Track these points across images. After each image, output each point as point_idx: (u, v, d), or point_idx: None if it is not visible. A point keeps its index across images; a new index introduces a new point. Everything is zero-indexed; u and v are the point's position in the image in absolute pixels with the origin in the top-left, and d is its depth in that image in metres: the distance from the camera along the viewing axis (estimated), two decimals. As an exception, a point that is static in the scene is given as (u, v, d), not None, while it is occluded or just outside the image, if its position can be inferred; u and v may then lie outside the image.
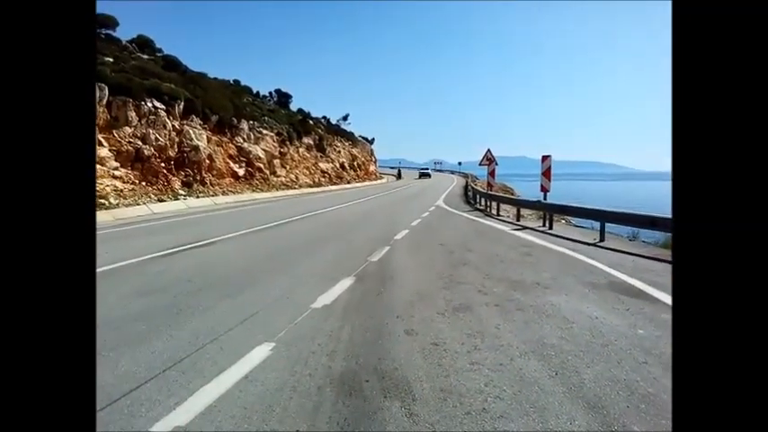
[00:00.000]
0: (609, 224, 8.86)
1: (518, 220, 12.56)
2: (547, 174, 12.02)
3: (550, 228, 10.64)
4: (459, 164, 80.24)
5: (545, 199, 11.71)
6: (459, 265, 6.16)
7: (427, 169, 69.24)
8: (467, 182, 34.97)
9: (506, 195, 20.09)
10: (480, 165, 18.56)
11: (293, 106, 41.57)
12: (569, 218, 13.20)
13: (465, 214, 14.61)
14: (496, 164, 18.16)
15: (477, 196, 19.88)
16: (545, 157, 12.22)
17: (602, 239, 8.69)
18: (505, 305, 4.29)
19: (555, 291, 4.83)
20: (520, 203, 13.49)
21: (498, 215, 14.18)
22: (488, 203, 16.60)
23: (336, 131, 45.40)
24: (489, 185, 18.16)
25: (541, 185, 12.00)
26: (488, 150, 18.26)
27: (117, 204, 14.48)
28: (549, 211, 11.04)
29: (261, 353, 3.09)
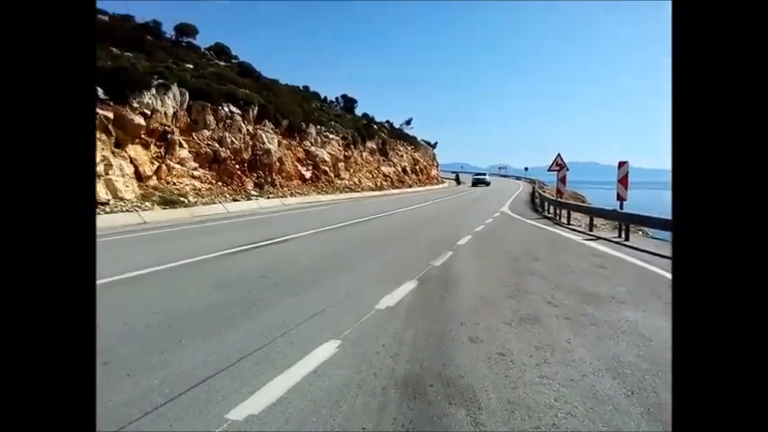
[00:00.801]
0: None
1: (590, 230, 11.91)
2: (623, 181, 11.30)
3: (626, 239, 9.99)
4: (526, 169, 77.58)
5: (621, 208, 11.01)
6: (526, 274, 5.96)
7: (484, 174, 52.59)
8: (533, 188, 33.75)
9: (578, 203, 19.13)
10: (549, 170, 17.84)
11: (358, 111, 42.46)
12: (647, 229, 12.30)
13: (532, 222, 14.10)
14: (567, 169, 17.37)
15: (546, 203, 19.11)
16: (621, 164, 11.50)
17: (685, 253, 8.02)
18: (577, 318, 4.08)
19: (631, 306, 4.52)
20: (593, 212, 12.79)
21: (569, 224, 13.54)
22: (558, 211, 15.90)
23: (399, 136, 45.70)
24: (559, 192, 17.39)
25: (617, 194, 11.30)
26: (558, 155, 17.52)
27: (195, 202, 15.56)
28: (626, 222, 10.36)
29: (328, 349, 3.18)
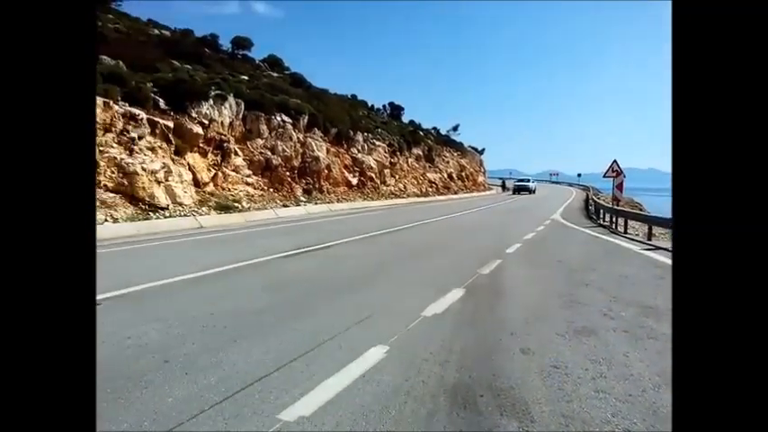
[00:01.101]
0: None
1: (649, 239, 11.27)
2: (686, 188, 10.64)
3: (689, 249, 9.37)
4: (579, 175, 74.61)
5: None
6: (581, 285, 5.72)
7: (528, 180, 45.33)
8: (587, 195, 32.42)
9: (635, 211, 18.17)
10: (605, 177, 17.08)
11: (405, 118, 42.63)
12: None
13: (586, 230, 13.55)
14: (624, 176, 16.57)
15: (601, 211, 18.31)
16: (684, 170, 10.83)
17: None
18: (636, 332, 3.87)
19: (698, 321, 4.23)
20: (652, 220, 12.10)
21: (626, 233, 12.89)
22: (614, 219, 15.18)
23: (445, 142, 45.39)
24: (615, 200, 16.61)
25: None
26: (614, 161, 16.74)
27: (248, 208, 16.17)
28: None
29: (376, 354, 3.20)
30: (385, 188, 28.90)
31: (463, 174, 45.31)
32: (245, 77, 22.74)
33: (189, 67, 19.40)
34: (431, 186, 36.27)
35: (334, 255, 7.96)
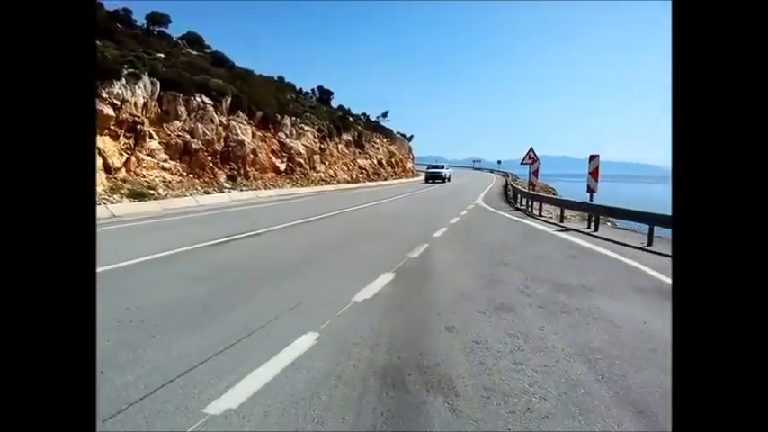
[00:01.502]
0: (657, 228, 8.48)
1: (561, 222, 12.22)
2: (594, 174, 11.62)
3: (596, 230, 10.30)
4: (499, 162, 78.74)
5: (591, 200, 11.33)
6: (501, 265, 6.08)
7: (442, 167, 39.28)
8: (506, 181, 34.29)
9: (549, 195, 19.56)
10: (522, 164, 18.17)
11: (334, 103, 42.09)
12: (615, 220, 12.71)
13: (505, 214, 14.36)
14: (539, 163, 17.72)
15: (519, 196, 19.48)
16: (593, 157, 11.81)
17: (650, 243, 8.33)
18: (549, 307, 4.20)
19: (601, 294, 4.69)
20: (564, 204, 13.11)
21: (540, 216, 13.85)
22: (530, 203, 16.24)
23: (375, 128, 45.55)
24: (532, 185, 17.75)
25: (588, 186, 11.62)
26: (531, 149, 17.85)
27: (165, 195, 15.16)
28: (596, 213, 10.68)
29: (306, 342, 3.18)
30: (315, 174, 28.48)
31: (393, 160, 45.85)
32: (162, 55, 21.07)
33: (98, 43, 17.57)
34: (361, 173, 36.33)
35: (262, 243, 7.74)
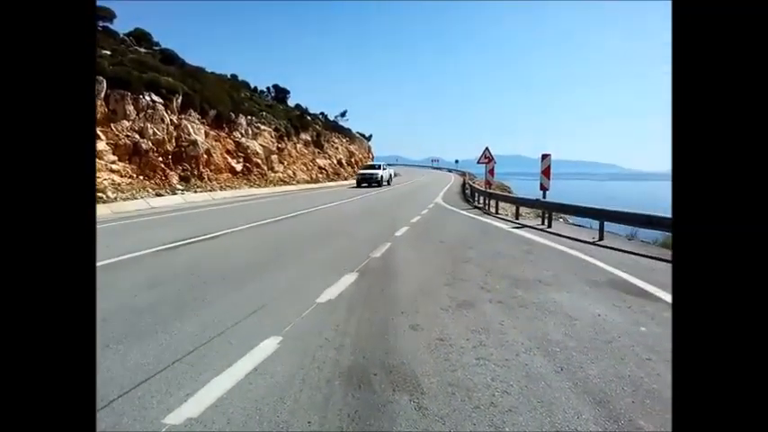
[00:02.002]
0: (608, 223, 8.91)
1: (517, 218, 12.62)
2: (546, 172, 12.06)
3: (549, 226, 10.70)
4: (457, 161, 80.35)
5: (544, 197, 11.76)
6: (461, 262, 6.19)
7: (378, 168, 31.46)
8: (464, 180, 35.01)
9: (505, 194, 20.15)
10: (479, 162, 18.60)
11: (291, 102, 41.47)
12: (567, 216, 13.26)
13: (464, 212, 14.65)
14: (495, 162, 18.21)
15: (476, 194, 19.92)
16: (545, 156, 12.26)
17: (600, 238, 8.75)
18: (508, 302, 4.32)
19: (557, 288, 4.87)
20: (519, 202, 13.55)
21: (497, 213, 14.24)
22: (487, 201, 16.65)
23: (334, 128, 45.31)
24: (488, 183, 18.21)
25: (541, 184, 12.05)
26: (486, 148, 18.32)
27: (115, 198, 14.43)
28: (549, 210, 11.09)
29: (269, 346, 3.11)
30: (273, 175, 27.95)
31: (352, 160, 45.76)
32: (108, 52, 20.02)
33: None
34: (321, 172, 36.01)
35: (219, 247, 7.50)
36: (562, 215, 12.74)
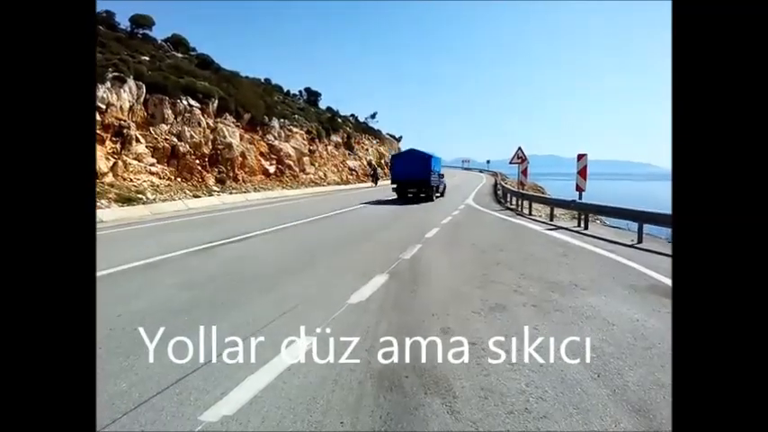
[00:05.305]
0: (647, 225, 8.58)
1: (551, 220, 12.31)
2: (582, 173, 11.72)
3: (585, 228, 10.39)
4: (488, 162, 79.18)
5: (580, 198, 11.43)
6: (493, 265, 6.10)
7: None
8: (496, 180, 34.47)
9: (538, 194, 19.71)
10: (511, 163, 18.26)
11: (322, 104, 42.00)
12: (603, 218, 12.84)
13: (495, 213, 14.43)
14: (528, 162, 17.84)
15: (508, 195, 19.58)
16: (581, 156, 11.92)
17: (639, 241, 8.43)
18: (543, 306, 4.22)
19: (594, 292, 4.72)
20: (554, 203, 13.21)
21: (530, 215, 13.94)
22: (519, 202, 16.33)
23: (364, 129, 45.59)
24: (521, 184, 17.85)
25: (577, 185, 11.71)
26: (519, 148, 17.95)
27: (154, 199, 14.98)
28: (585, 211, 10.78)
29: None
30: (304, 176, 28.37)
31: (382, 161, 45.87)
32: (147, 58, 20.86)
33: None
34: (351, 174, 36.28)
35: (253, 247, 7.68)
36: (598, 217, 12.34)
